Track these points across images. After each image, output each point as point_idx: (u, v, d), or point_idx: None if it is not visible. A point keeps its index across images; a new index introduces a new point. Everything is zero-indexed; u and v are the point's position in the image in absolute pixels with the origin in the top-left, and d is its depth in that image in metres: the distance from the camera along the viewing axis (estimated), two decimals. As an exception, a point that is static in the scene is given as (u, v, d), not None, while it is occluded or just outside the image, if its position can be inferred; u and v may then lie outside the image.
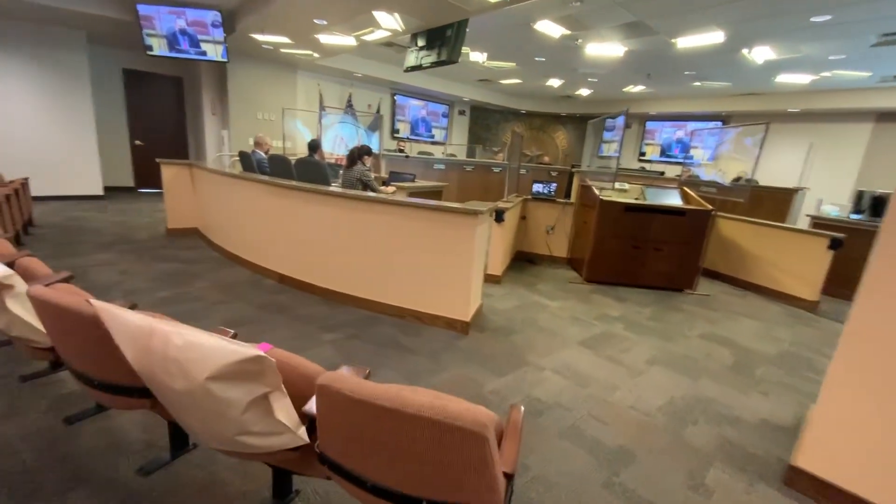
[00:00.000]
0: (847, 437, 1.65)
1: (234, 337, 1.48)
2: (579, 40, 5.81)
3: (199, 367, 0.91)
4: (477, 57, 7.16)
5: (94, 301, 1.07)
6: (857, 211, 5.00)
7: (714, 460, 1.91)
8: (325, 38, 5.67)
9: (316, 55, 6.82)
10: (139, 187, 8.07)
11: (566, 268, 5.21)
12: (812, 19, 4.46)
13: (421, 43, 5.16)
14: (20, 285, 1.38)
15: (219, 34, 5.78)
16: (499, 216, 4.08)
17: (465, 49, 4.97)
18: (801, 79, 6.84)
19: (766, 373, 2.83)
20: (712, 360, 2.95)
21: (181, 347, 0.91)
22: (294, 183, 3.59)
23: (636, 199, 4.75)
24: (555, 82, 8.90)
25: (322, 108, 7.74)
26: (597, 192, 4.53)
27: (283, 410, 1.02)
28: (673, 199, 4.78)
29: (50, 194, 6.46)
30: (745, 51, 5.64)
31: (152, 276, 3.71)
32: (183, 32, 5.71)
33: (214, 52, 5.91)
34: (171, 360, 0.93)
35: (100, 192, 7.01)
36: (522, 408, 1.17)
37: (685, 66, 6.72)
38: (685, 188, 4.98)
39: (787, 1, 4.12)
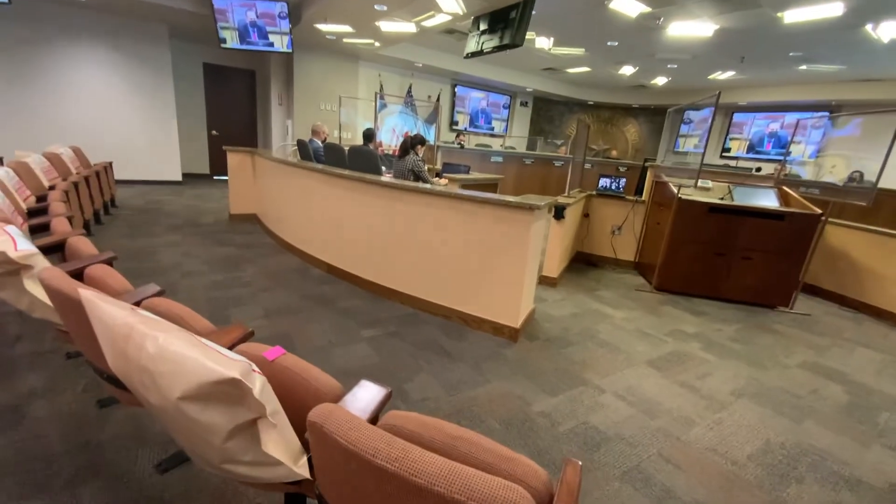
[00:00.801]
0: None
1: (250, 336, 1.33)
2: (661, 19, 5.18)
3: (170, 383, 0.74)
4: (542, 43, 6.71)
5: (82, 289, 0.95)
6: None
7: (830, 538, 1.47)
8: (385, 25, 5.56)
9: (377, 44, 6.77)
10: (213, 174, 8.60)
11: (633, 273, 4.70)
12: (976, -21, 3.55)
13: (483, 26, 4.86)
14: (41, 264, 1.33)
15: (285, 25, 5.89)
16: (558, 213, 3.71)
17: (529, 34, 4.59)
18: (946, 59, 5.61)
19: (892, 420, 2.25)
20: (819, 399, 2.41)
21: (153, 357, 0.75)
22: (344, 172, 3.49)
23: (721, 198, 4.13)
24: (627, 70, 8.16)
25: (380, 97, 7.70)
26: (674, 189, 3.98)
27: (275, 441, 0.83)
28: (768, 201, 4.09)
29: (135, 178, 7.04)
30: (868, 26, 4.69)
31: (210, 258, 3.81)
32: (253, 24, 5.88)
33: (280, 42, 6.04)
34: (144, 370, 0.77)
35: (179, 177, 7.53)
36: (580, 464, 0.89)
37: (790, 45, 5.78)
38: (784, 188, 4.24)
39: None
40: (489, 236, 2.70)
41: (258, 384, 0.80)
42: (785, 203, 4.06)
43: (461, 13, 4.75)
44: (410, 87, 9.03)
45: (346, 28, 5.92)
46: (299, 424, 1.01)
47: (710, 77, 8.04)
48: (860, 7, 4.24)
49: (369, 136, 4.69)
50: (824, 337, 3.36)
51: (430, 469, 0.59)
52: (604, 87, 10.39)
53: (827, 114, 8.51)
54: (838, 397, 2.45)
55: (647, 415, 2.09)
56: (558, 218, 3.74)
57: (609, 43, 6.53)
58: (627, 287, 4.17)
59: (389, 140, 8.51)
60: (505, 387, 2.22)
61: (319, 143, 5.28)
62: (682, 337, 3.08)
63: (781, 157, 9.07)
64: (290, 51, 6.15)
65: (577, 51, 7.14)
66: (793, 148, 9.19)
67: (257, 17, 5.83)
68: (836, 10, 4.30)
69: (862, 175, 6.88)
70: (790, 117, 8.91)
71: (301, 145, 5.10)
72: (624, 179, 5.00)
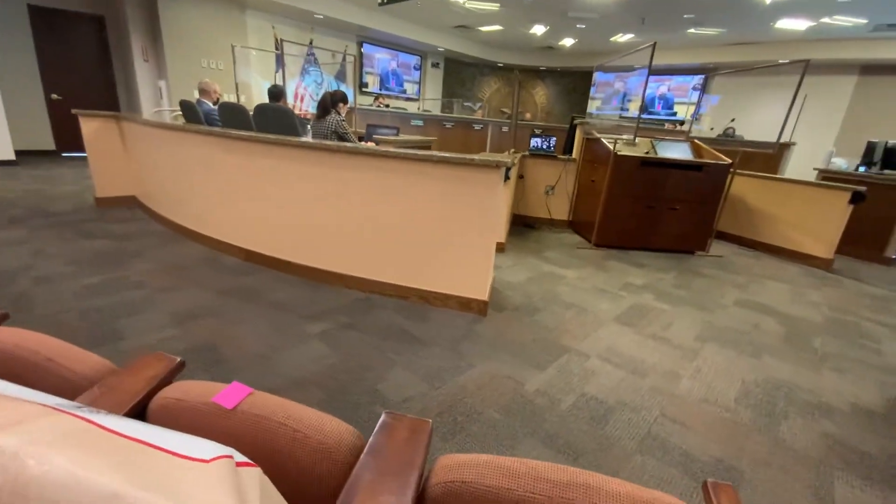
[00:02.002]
0: None
1: (179, 370, 0.86)
2: (579, -29, 5.09)
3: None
4: (458, -6, 6.30)
5: None
6: (866, 163, 4.78)
7: (832, 469, 1.52)
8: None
9: (268, -14, 5.73)
10: (62, 151, 6.81)
11: (569, 232, 4.76)
12: (844, -55, 3.98)
13: (400, -34, 4.29)
14: None
15: (142, -48, 4.62)
16: (506, 174, 3.49)
17: None
18: (800, 24, 6.47)
19: (824, 344, 2.51)
20: (763, 333, 2.60)
21: (37, 485, 0.31)
22: (259, 135, 2.82)
23: (646, 153, 4.28)
24: (539, 29, 8.14)
25: (279, 51, 6.65)
26: (609, 145, 4.01)
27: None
28: (684, 154, 4.35)
29: (-60, 159, 5.24)
30: (756, -13, 5.14)
31: (76, 256, 2.90)
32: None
33: (138, -24, 4.75)
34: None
35: (11, 156, 5.79)
36: (732, 487, 0.66)
37: (686, 7, 6.17)
38: (696, 141, 4.55)
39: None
40: (451, 200, 2.37)
41: (253, 489, 0.41)
42: (698, 155, 4.35)
43: (374, -52, 4.11)
44: (311, 43, 7.98)
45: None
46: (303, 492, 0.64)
47: (612, 39, 8.39)
48: (752, -32, 4.56)
49: (277, 93, 3.92)
50: (740, 275, 3.72)
51: None
52: (514, 48, 10.35)
53: (703, 77, 9.52)
54: (775, 329, 2.67)
55: (636, 374, 2.02)
56: (505, 179, 3.53)
57: (525, -2, 6.35)
58: (569, 246, 4.19)
59: (293, 103, 7.51)
60: (491, 368, 1.98)
61: (211, 104, 4.34)
62: (635, 290, 3.14)
63: (673, 117, 10.03)
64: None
65: (493, 6, 6.86)
66: (677, 108, 10.22)
67: (100, -63, 4.47)
68: (732, -31, 4.58)
69: (734, 130, 7.84)
70: (677, 80, 9.79)
71: (187, 108, 4.12)
72: (554, 138, 4.96)
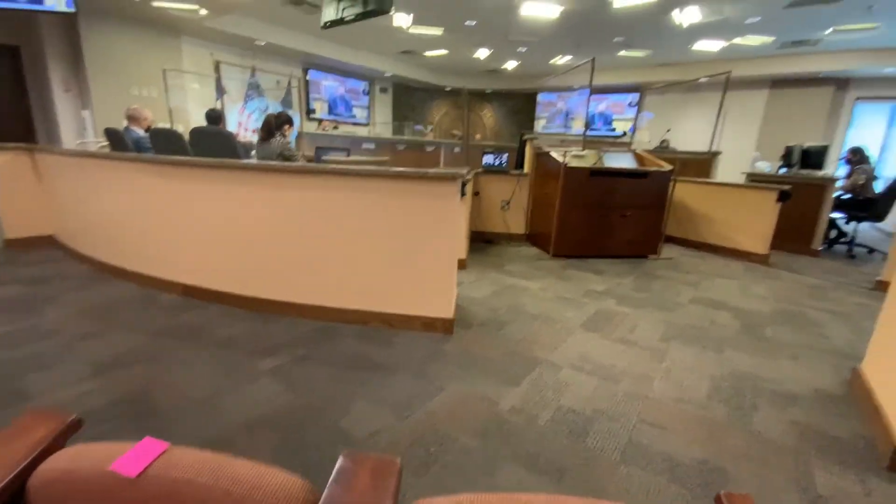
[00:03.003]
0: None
1: (76, 429, 0.68)
2: (516, -3, 5.34)
3: None
4: (401, 21, 6.38)
5: None
6: (786, 165, 5.24)
7: (808, 457, 1.52)
8: (214, -15, 4.50)
9: (203, 11, 5.51)
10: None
11: (527, 244, 4.79)
12: (746, -27, 4.44)
13: (341, -10, 4.27)
14: None
15: (58, -25, 4.31)
16: (461, 189, 3.45)
17: (390, 11, 4.19)
18: (715, 45, 7.13)
19: (776, 334, 2.61)
20: (720, 327, 2.67)
21: None
22: (196, 159, 2.61)
23: (594, 164, 4.44)
24: (483, 53, 8.42)
25: (219, 79, 6.40)
26: (560, 158, 4.11)
27: None
28: (629, 163, 4.55)
29: None
30: (675, 12, 5.60)
31: (-26, 308, 2.50)
32: (0, -30, 4.15)
33: (55, 0, 4.41)
34: None
35: None
36: (751, 498, 0.58)
37: (616, 31, 6.62)
38: (638, 151, 4.79)
39: (727, -50, 4.00)
40: (409, 216, 2.27)
41: None
42: (642, 164, 4.57)
43: (313, -28, 4.07)
44: (254, 71, 7.76)
45: (158, -14, 4.63)
46: None
47: (552, 62, 8.83)
48: (671, -8, 4.98)
49: (215, 117, 3.68)
50: (691, 274, 3.87)
51: None
52: (460, 72, 10.64)
53: (637, 95, 10.25)
54: (731, 322, 2.76)
55: (609, 381, 1.98)
56: (461, 196, 3.50)
57: (467, 22, 6.56)
58: (529, 258, 4.20)
59: (236, 131, 7.21)
60: (462, 389, 1.86)
61: (141, 131, 4.03)
62: (597, 296, 3.16)
63: (613, 133, 10.64)
64: (70, 10, 4.54)
65: (436, 31, 7.01)
66: (616, 124, 10.88)
67: (8, -41, 4.13)
68: (654, -6, 4.98)
69: (669, 142, 8.40)
70: (613, 98, 10.46)
71: (113, 136, 3.80)
72: (506, 155, 5.05)
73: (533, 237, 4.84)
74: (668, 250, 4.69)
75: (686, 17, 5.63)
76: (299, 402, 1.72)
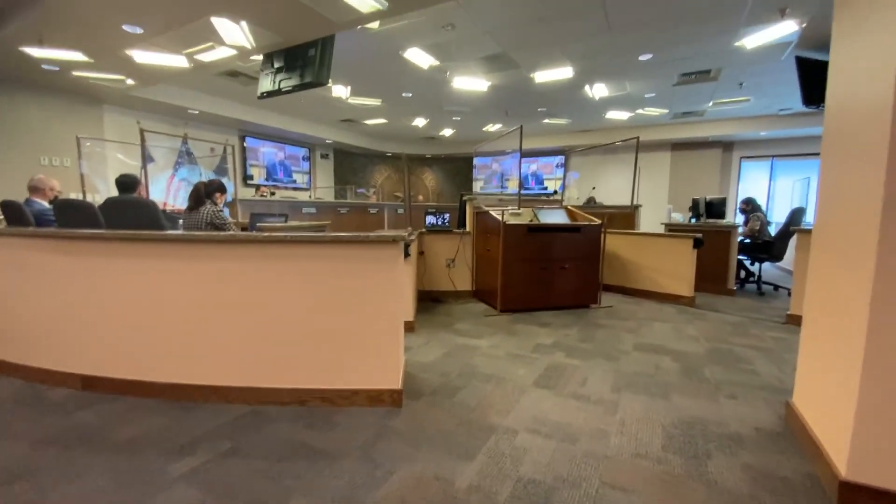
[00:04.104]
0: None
1: None
2: (447, 72, 5.80)
3: None
4: (340, 91, 6.64)
5: None
6: (695, 215, 5.87)
7: (765, 503, 1.51)
8: (142, 56, 4.42)
9: (130, 81, 5.36)
10: None
11: (475, 301, 4.79)
12: (640, 57, 5.21)
13: (278, 64, 4.39)
14: None
15: (-40, 43, 4.02)
16: (405, 251, 3.43)
17: (328, 83, 4.36)
18: (623, 115, 8.14)
19: (713, 374, 2.72)
20: (664, 372, 2.74)
21: None
22: (99, 231, 2.36)
23: (531, 220, 4.67)
24: (420, 121, 8.92)
25: (144, 146, 6.11)
26: (498, 216, 4.28)
27: None
28: (563, 218, 4.84)
29: None
30: (587, 87, 6.38)
31: None
32: None
33: (-47, 67, 4.07)
34: None
35: None
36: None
37: (539, 102, 7.35)
38: (569, 207, 5.14)
39: (622, 39, 4.70)
40: (349, 283, 2.17)
41: None
42: (573, 218, 4.89)
43: (249, 47, 4.17)
44: (186, 138, 7.55)
45: (78, 56, 4.45)
46: None
47: (484, 129, 9.55)
48: (582, 72, 5.69)
49: (130, 183, 3.35)
50: (631, 321, 4.04)
51: None
52: (400, 138, 11.12)
53: (563, 157, 11.27)
54: (672, 366, 2.85)
55: (567, 442, 1.90)
56: (405, 257, 3.46)
57: (404, 94, 6.96)
58: (477, 315, 4.18)
59: (163, 200, 6.81)
60: (413, 471, 1.68)
61: (45, 203, 3.65)
62: (546, 350, 3.15)
63: (545, 191, 11.44)
64: (-26, 80, 4.21)
65: (375, 101, 7.36)
66: (547, 183, 11.77)
67: None
68: (567, 73, 5.65)
69: (595, 198, 9.15)
70: (542, 160, 11.39)
71: (9, 209, 3.39)
72: (448, 214, 5.18)
73: (480, 293, 4.86)
74: (607, 299, 4.90)
75: (596, 91, 6.42)
76: (221, 511, 1.45)
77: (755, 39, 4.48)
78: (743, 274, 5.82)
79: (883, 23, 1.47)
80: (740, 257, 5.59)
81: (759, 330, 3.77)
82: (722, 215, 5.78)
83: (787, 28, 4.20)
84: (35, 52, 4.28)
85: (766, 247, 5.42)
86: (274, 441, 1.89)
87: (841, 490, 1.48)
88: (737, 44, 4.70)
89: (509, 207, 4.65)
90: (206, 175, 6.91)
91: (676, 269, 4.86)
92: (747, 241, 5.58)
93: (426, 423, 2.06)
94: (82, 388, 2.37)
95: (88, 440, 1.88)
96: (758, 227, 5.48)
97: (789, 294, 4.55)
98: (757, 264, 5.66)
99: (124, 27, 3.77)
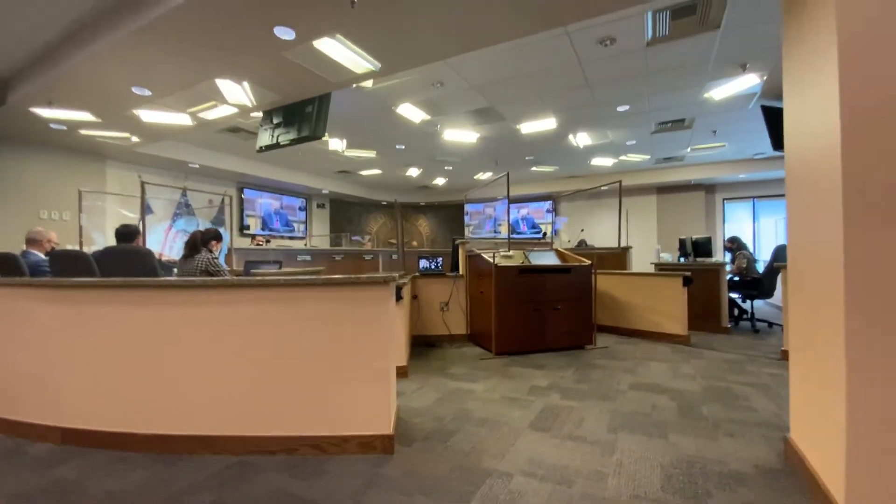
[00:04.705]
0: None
1: None
2: (438, 125, 6.13)
3: None
4: (336, 145, 6.96)
5: None
6: (683, 255, 6.00)
7: (768, 543, 1.46)
8: (148, 115, 4.67)
9: (134, 139, 5.61)
10: None
11: (470, 345, 4.74)
12: (617, 108, 5.56)
13: (277, 120, 4.65)
14: None
15: (-26, 106, 4.25)
16: (397, 293, 3.46)
17: (324, 136, 4.62)
18: (607, 161, 8.52)
19: (711, 411, 2.68)
20: (661, 411, 2.70)
21: None
22: (83, 280, 2.39)
23: (522, 262, 4.75)
24: (414, 171, 9.26)
25: (144, 199, 6.26)
26: (490, 259, 4.36)
27: None
28: (553, 260, 4.93)
29: None
30: (571, 136, 6.73)
31: None
32: None
33: (-35, 128, 4.27)
34: None
35: None
36: None
37: (526, 151, 7.71)
38: (559, 249, 5.25)
39: (599, 93, 5.06)
40: (340, 326, 2.18)
41: None
42: (563, 260, 4.98)
43: (250, 105, 4.43)
44: (185, 191, 7.76)
45: (86, 116, 4.70)
46: None
47: (475, 177, 9.90)
48: (565, 122, 6.04)
49: (129, 233, 3.43)
50: (627, 361, 4.00)
51: None
52: (395, 188, 11.46)
53: (552, 202, 11.60)
54: (670, 405, 2.81)
55: (563, 484, 1.84)
56: (397, 300, 3.49)
57: (398, 146, 7.29)
58: (472, 358, 4.13)
59: (160, 251, 6.87)
60: (405, 520, 1.62)
61: (41, 255, 3.69)
62: (541, 392, 3.11)
63: (538, 235, 11.66)
64: (-16, 139, 4.39)
65: (370, 153, 7.69)
66: (542, 227, 12.02)
67: (-83, 91, 4.02)
68: (551, 124, 6.00)
69: (586, 241, 9.34)
70: (533, 206, 11.72)
71: (5, 260, 3.41)
72: (441, 258, 5.26)
73: (475, 336, 4.83)
74: (602, 339, 4.88)
75: (580, 139, 6.77)
76: (200, 568, 1.38)
77: (722, 91, 4.84)
78: (736, 312, 5.85)
79: (822, 76, 1.64)
80: (732, 295, 5.65)
81: (755, 367, 3.75)
82: (709, 254, 5.91)
83: (750, 80, 4.56)
84: (45, 112, 4.52)
85: (755, 284, 5.49)
86: (261, 492, 1.81)
87: (844, 527, 1.44)
88: (706, 95, 5.06)
89: (500, 250, 4.74)
90: (203, 225, 7.03)
91: (669, 307, 4.89)
92: (736, 278, 5.66)
93: (419, 468, 1.99)
94: (62, 442, 2.28)
95: (66, 495, 1.80)
96: (745, 265, 5.59)
97: (783, 330, 4.56)
98: (749, 302, 5.71)
99: (134, 89, 4.02)
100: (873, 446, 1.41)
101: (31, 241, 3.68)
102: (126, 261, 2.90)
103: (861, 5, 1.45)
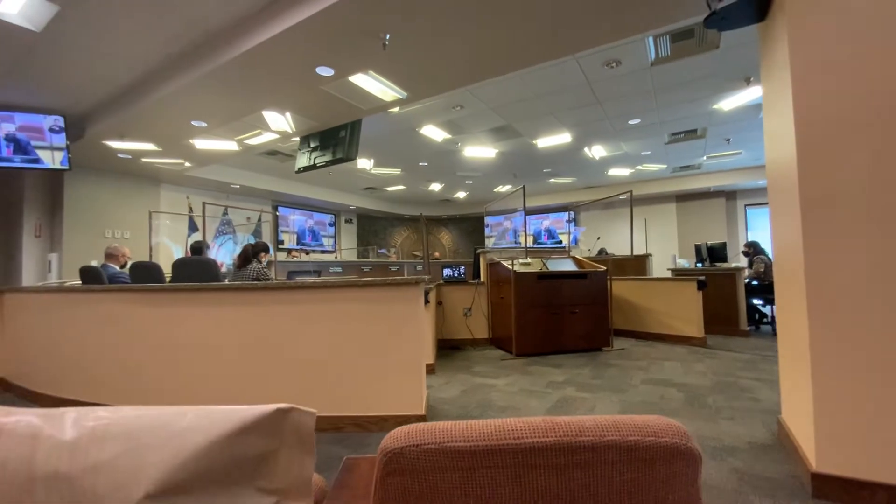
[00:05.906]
0: (858, 426, 1.65)
1: None
2: (458, 143, 6.55)
3: (121, 479, 0.41)
4: (364, 164, 7.47)
5: None
6: (699, 260, 6.14)
7: (746, 495, 1.71)
8: (201, 143, 5.28)
9: (187, 164, 6.26)
10: None
11: (492, 348, 5.04)
12: (629, 122, 5.84)
13: (314, 144, 5.16)
14: None
15: (59, 140, 4.93)
16: (425, 297, 3.82)
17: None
18: (624, 171, 8.73)
19: (716, 401, 2.90)
20: (669, 401, 2.93)
21: (79, 444, 0.42)
22: (170, 284, 2.86)
23: (540, 269, 5.04)
24: (436, 186, 9.70)
25: (191, 213, 6.93)
26: (509, 266, 4.68)
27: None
28: (570, 266, 5.20)
29: None
30: (586, 149, 7.03)
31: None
32: (10, 139, 4.72)
33: (51, 159, 4.96)
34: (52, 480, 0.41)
35: None
36: None
37: (543, 164, 8.03)
38: (576, 256, 5.51)
39: (610, 109, 5.36)
40: (379, 320, 2.56)
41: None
42: (580, 266, 5.24)
43: (290, 131, 4.96)
44: (226, 210, 8.44)
45: (150, 146, 5.35)
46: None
47: (495, 190, 10.26)
48: (580, 136, 6.35)
49: (199, 248, 4.01)
50: (642, 361, 4.21)
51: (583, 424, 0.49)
52: (418, 202, 11.94)
53: (572, 213, 11.81)
54: (678, 396, 3.03)
55: (573, 455, 2.13)
56: (425, 303, 3.85)
57: (421, 163, 7.76)
58: (494, 360, 4.43)
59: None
60: (437, 476, 1.94)
61: (117, 267, 4.25)
62: (558, 386, 3.38)
63: (560, 245, 11.86)
64: (64, 168, 5.07)
65: (395, 171, 8.18)
66: (562, 237, 12.22)
67: (17, 129, 4.73)
68: (566, 138, 6.32)
69: (606, 249, 9.47)
70: (553, 216, 11.95)
71: (88, 273, 3.98)
72: (463, 267, 5.61)
73: (496, 340, 5.12)
74: (620, 342, 5.08)
75: (595, 152, 7.05)
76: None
77: (730, 103, 5.07)
78: (757, 316, 5.92)
79: (783, 97, 1.93)
80: (754, 301, 5.74)
81: (767, 365, 3.89)
82: (724, 259, 6.03)
83: (756, 92, 4.77)
84: (116, 144, 5.18)
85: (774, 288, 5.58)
86: (318, 457, 2.17)
87: (813, 481, 1.68)
88: (714, 107, 5.29)
89: (519, 259, 5.06)
90: (245, 240, 7.64)
91: (685, 311, 5.06)
92: (755, 283, 5.76)
93: (447, 442, 2.32)
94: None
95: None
96: (762, 270, 5.69)
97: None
98: (769, 306, 5.78)
99: (192, 122, 4.61)
100: (837, 413, 1.66)
101: (109, 256, 4.24)
102: (195, 270, 3.38)
103: (810, 41, 1.75)
